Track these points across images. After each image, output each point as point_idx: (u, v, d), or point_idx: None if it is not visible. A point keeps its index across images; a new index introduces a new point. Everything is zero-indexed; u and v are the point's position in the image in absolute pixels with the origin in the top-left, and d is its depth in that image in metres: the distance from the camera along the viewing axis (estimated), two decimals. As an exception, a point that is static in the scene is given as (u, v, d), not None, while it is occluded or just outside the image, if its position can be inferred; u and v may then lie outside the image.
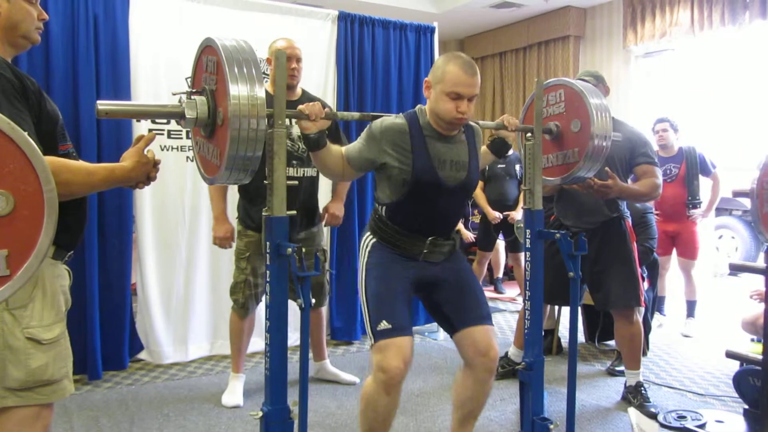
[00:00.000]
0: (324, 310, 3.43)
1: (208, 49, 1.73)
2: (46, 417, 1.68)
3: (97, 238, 3.45)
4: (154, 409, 3.01)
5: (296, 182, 2.82)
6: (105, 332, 3.51)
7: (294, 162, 2.98)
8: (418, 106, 2.23)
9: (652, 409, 3.00)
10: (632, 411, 2.79)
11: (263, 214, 1.88)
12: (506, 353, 3.57)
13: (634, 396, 3.08)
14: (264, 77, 3.53)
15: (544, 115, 2.56)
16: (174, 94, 1.77)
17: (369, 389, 2.09)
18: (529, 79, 7.38)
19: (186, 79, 3.55)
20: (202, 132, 1.77)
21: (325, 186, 3.60)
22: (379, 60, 4.28)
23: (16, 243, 1.21)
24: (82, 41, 3.35)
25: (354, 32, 4.21)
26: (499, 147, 2.48)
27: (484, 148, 2.49)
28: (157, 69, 3.58)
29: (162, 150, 3.68)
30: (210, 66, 1.71)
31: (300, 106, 2.03)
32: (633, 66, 6.54)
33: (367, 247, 2.24)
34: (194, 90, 1.77)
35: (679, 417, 2.88)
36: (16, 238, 1.21)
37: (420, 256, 2.19)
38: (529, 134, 2.42)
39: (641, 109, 6.45)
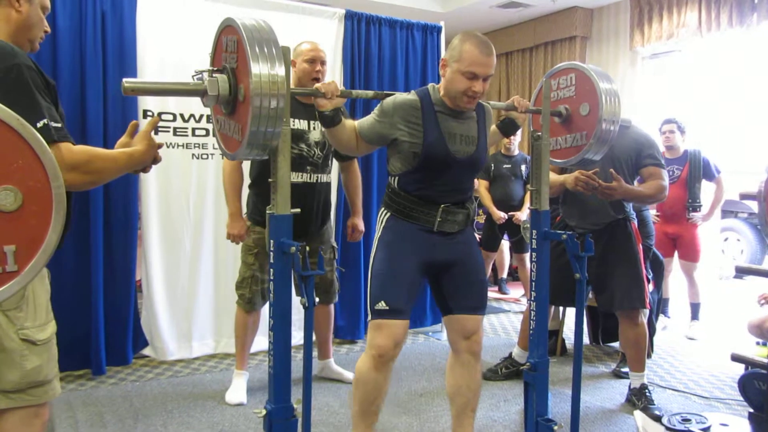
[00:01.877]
0: (332, 308, 3.42)
1: (228, 29, 1.76)
2: (44, 414, 1.69)
3: (102, 234, 3.45)
4: (158, 406, 3.02)
5: (309, 185, 2.80)
6: (109, 328, 3.52)
7: (308, 168, 2.97)
8: (430, 84, 2.29)
9: (657, 412, 2.98)
10: (638, 414, 2.78)
11: (267, 212, 1.89)
12: (510, 354, 3.58)
13: (639, 398, 3.07)
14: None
15: (554, 98, 2.61)
16: (195, 73, 1.79)
17: (361, 364, 2.22)
18: (535, 79, 7.36)
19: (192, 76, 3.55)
20: (223, 110, 1.79)
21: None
22: (385, 59, 4.28)
23: (24, 239, 1.22)
24: (89, 38, 3.35)
25: (360, 31, 4.21)
26: (508, 127, 2.52)
27: (493, 127, 2.53)
28: (164, 65, 3.58)
29: (168, 147, 3.68)
30: (230, 45, 1.73)
31: (316, 84, 2.10)
32: (640, 67, 6.52)
33: (382, 223, 2.30)
34: (215, 68, 1.80)
35: (683, 420, 2.87)
36: (24, 234, 1.22)
37: (435, 225, 2.23)
38: (537, 134, 2.42)
39: (648, 110, 6.43)
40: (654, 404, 3.05)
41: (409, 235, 2.24)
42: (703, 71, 6.47)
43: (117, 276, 3.55)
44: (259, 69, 1.59)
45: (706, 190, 4.62)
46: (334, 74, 4.12)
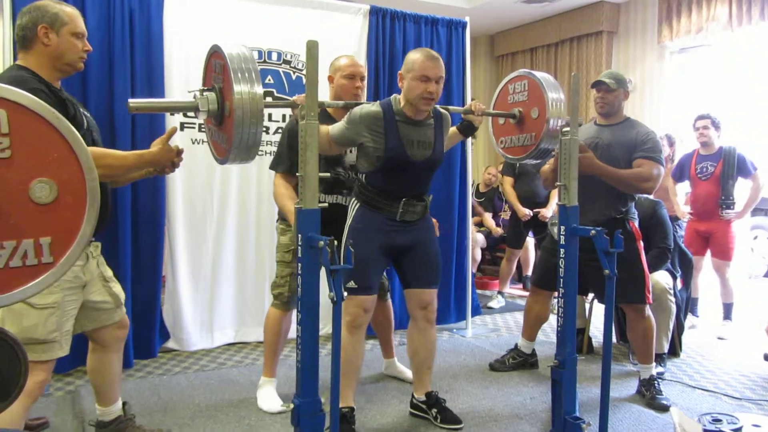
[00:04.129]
0: (389, 304, 3.34)
1: (216, 54, 2.02)
2: (39, 374, 1.97)
3: (130, 232, 3.51)
4: (186, 399, 3.05)
5: (342, 207, 2.80)
6: (137, 322, 3.57)
7: (344, 191, 2.93)
8: (393, 95, 2.62)
9: (664, 402, 3.03)
10: (674, 410, 2.74)
11: (294, 206, 1.91)
12: (516, 345, 3.63)
13: (647, 389, 3.13)
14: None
15: (510, 101, 2.94)
16: (189, 92, 2.10)
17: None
18: (560, 75, 7.28)
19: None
20: (213, 122, 2.06)
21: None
22: (410, 55, 4.26)
23: (59, 230, 1.23)
24: (117, 36, 3.40)
25: (385, 27, 4.21)
26: (466, 129, 2.94)
27: (453, 129, 2.91)
28: (190, 63, 3.62)
29: (192, 143, 3.73)
30: (218, 68, 2.00)
31: (293, 97, 2.54)
32: (667, 62, 6.42)
33: (353, 212, 2.65)
34: (205, 88, 2.06)
35: (714, 420, 2.81)
36: (60, 226, 1.23)
37: (397, 215, 2.60)
38: (565, 129, 2.41)
39: (675, 106, 6.33)
40: (662, 394, 3.10)
41: (375, 224, 2.60)
42: (734, 66, 6.33)
43: (144, 272, 3.61)
44: (240, 88, 1.85)
45: (744, 188, 4.51)
46: (358, 70, 4.12)
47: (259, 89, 1.88)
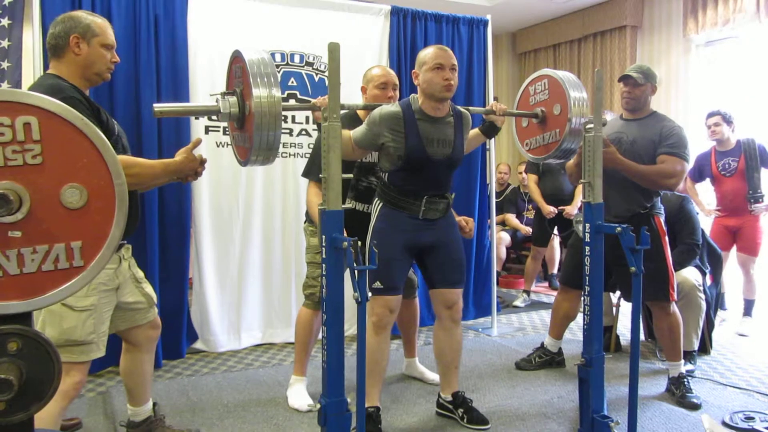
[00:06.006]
0: (416, 303, 3.32)
1: (236, 59, 2.09)
2: (75, 375, 2.05)
3: (157, 235, 3.56)
4: (214, 399, 3.08)
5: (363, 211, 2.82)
6: (165, 323, 3.60)
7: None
8: (412, 95, 2.65)
9: (695, 401, 2.97)
10: (705, 417, 2.70)
11: (318, 207, 1.93)
12: (542, 344, 3.61)
13: (677, 387, 3.07)
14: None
15: (532, 102, 2.95)
16: (211, 95, 2.17)
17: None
18: (584, 71, 7.20)
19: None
20: (235, 125, 2.13)
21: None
22: (431, 54, 4.26)
23: (89, 234, 1.26)
24: (143, 41, 3.46)
25: (406, 27, 4.22)
26: (489, 129, 2.96)
27: (475, 130, 2.93)
28: (214, 66, 3.67)
29: (218, 146, 3.77)
30: (238, 72, 2.08)
31: (313, 100, 2.61)
32: (694, 56, 6.30)
33: (377, 211, 2.68)
34: (227, 91, 2.12)
35: (746, 418, 2.77)
36: (90, 230, 1.26)
37: (420, 213, 2.62)
38: (589, 125, 2.39)
39: (703, 100, 6.21)
40: (692, 393, 3.04)
41: (398, 223, 2.61)
42: (762, 58, 6.20)
43: (171, 274, 3.66)
44: (259, 93, 1.91)
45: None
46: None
47: (277, 93, 1.94)
